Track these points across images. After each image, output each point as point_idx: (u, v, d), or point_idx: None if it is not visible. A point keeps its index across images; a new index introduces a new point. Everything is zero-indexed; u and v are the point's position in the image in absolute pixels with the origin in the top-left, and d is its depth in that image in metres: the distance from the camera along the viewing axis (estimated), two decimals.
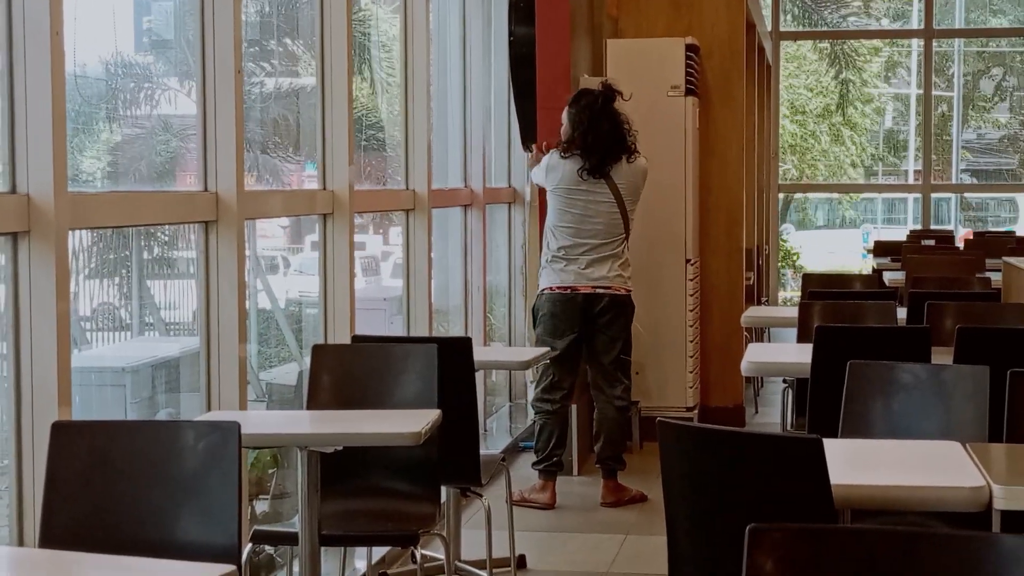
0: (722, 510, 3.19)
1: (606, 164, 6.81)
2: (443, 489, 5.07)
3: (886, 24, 20.81)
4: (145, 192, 4.67)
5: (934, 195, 17.13)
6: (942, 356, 4.85)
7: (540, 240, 7.27)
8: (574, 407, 7.24)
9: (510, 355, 7.03)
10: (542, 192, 7.32)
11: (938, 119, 18.53)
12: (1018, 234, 13.39)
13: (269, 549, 5.04)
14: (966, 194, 19.54)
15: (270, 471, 5.44)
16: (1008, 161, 20.08)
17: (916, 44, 18.72)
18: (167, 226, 4.79)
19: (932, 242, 12.35)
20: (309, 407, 4.58)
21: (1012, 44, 20.44)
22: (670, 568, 3.31)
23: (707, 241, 8.75)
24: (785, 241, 19.17)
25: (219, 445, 3.10)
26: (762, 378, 9.95)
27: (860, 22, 20.79)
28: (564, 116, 6.91)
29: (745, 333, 8.90)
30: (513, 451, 7.71)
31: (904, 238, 13.41)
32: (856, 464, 3.49)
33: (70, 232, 3.59)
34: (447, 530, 5.32)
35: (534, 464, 6.95)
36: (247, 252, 4.64)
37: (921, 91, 17.10)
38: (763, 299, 12.72)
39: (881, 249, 12.36)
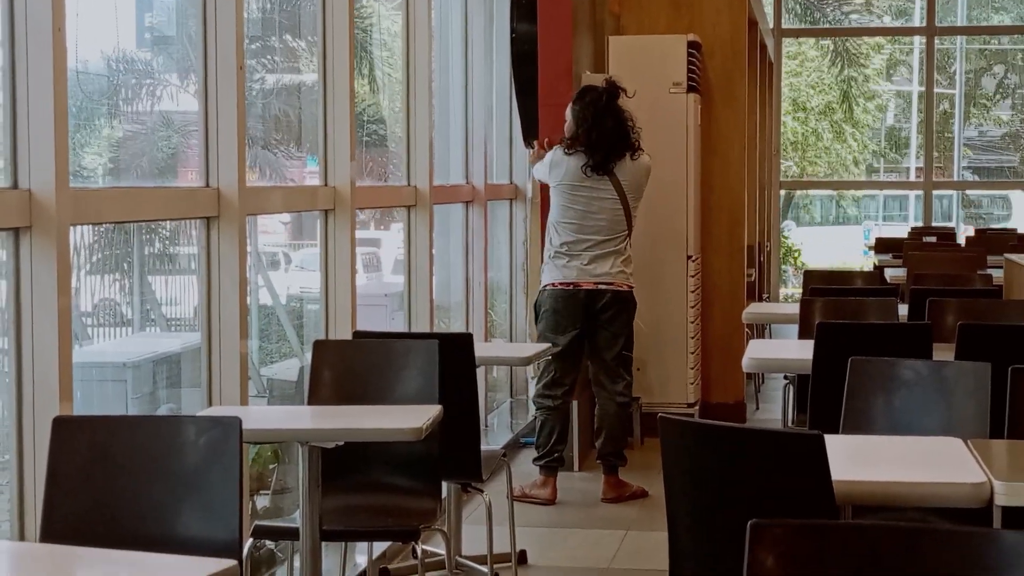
0: (723, 506, 3.19)
1: (610, 161, 6.81)
2: (444, 485, 5.07)
3: (888, 21, 20.80)
4: (146, 188, 4.66)
5: (936, 192, 17.14)
6: (943, 352, 4.86)
7: (542, 236, 7.27)
8: (575, 403, 7.24)
9: (511, 351, 7.03)
10: (544, 188, 7.32)
11: (940, 116, 18.53)
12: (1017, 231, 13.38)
13: (270, 544, 5.04)
14: (968, 191, 19.54)
15: (271, 466, 5.45)
16: (1010, 158, 20.08)
17: (918, 41, 18.71)
18: (168, 222, 4.79)
19: (934, 239, 12.36)
20: (310, 403, 4.59)
21: (1014, 41, 20.44)
22: (671, 564, 3.31)
23: (709, 238, 8.75)
24: (787, 238, 19.17)
25: (220, 440, 3.11)
26: (763, 374, 9.95)
27: (862, 19, 20.79)
28: (568, 112, 6.91)
29: (746, 329, 8.90)
30: (514, 447, 7.71)
31: (906, 235, 13.42)
32: (857, 460, 3.49)
33: (71, 228, 3.60)
34: (448, 526, 5.32)
35: (535, 460, 6.95)
36: (248, 248, 4.64)
37: (923, 88, 17.12)
38: (764, 295, 12.74)
39: (882, 246, 12.37)
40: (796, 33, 19.18)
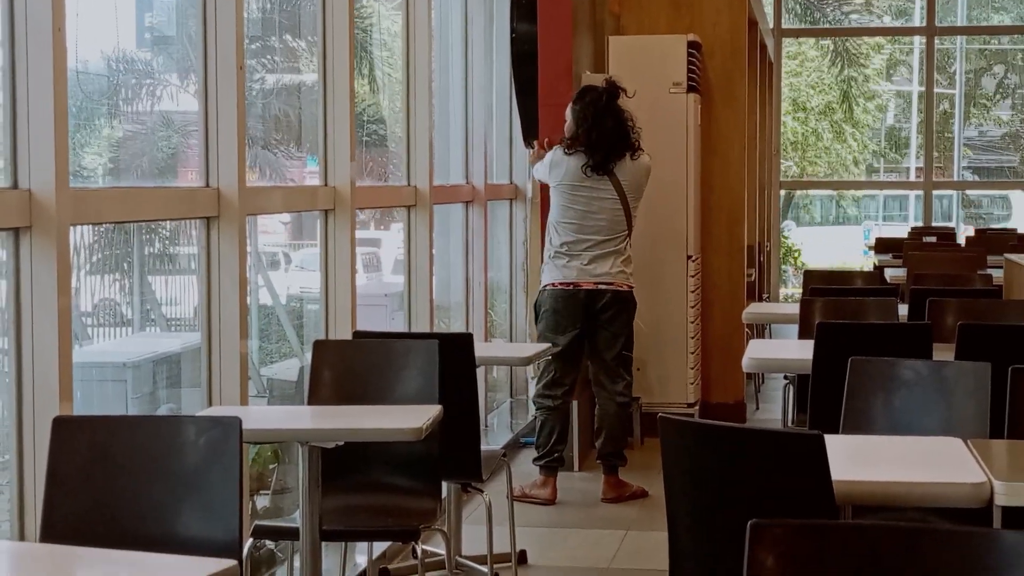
0: (723, 506, 3.19)
1: (610, 161, 6.82)
2: (444, 485, 5.07)
3: (888, 21, 20.80)
4: (146, 188, 4.67)
5: (936, 192, 17.14)
6: (943, 352, 4.86)
7: (542, 236, 7.27)
8: (575, 403, 7.24)
9: (511, 351, 7.04)
10: (544, 188, 7.32)
11: (940, 116, 18.53)
12: (1017, 231, 13.38)
13: (270, 544, 5.04)
14: (968, 191, 19.54)
15: (271, 466, 5.45)
16: (1010, 159, 20.08)
17: (918, 41, 18.71)
18: (168, 222, 4.79)
19: (934, 239, 12.36)
20: (310, 403, 4.59)
21: (1014, 41, 20.44)
22: (671, 564, 3.31)
23: (708, 238, 8.75)
24: (786, 238, 19.17)
25: (220, 440, 3.11)
26: (763, 374, 9.95)
27: (862, 19, 20.78)
28: (568, 112, 6.91)
29: (746, 329, 8.90)
30: (514, 447, 7.71)
31: (906, 235, 13.42)
32: (857, 460, 3.49)
33: (71, 228, 3.60)
34: (448, 525, 5.32)
35: (535, 460, 6.95)
36: (248, 248, 4.64)
37: (923, 88, 17.11)
38: (764, 295, 12.74)
39: (882, 246, 12.38)
40: (796, 33, 19.18)
